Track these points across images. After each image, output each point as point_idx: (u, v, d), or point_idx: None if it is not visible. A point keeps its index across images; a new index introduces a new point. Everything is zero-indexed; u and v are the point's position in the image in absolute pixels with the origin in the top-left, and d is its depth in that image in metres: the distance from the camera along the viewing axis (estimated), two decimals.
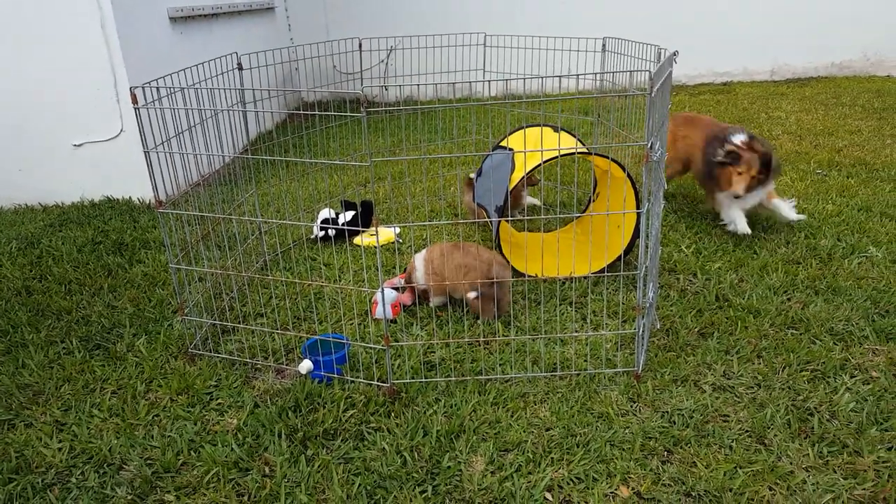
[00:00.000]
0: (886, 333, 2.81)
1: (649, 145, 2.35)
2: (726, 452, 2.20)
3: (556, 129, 3.44)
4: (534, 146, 3.36)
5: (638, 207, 3.26)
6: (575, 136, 3.52)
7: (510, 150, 3.46)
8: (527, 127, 3.55)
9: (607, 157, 3.23)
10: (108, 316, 3.22)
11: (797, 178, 4.73)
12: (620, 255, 3.39)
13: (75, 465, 2.28)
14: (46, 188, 4.92)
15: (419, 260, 3.18)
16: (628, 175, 3.16)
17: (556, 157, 3.32)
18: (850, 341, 2.77)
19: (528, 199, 4.19)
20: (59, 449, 2.34)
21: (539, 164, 3.27)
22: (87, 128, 4.75)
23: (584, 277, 3.32)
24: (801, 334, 2.83)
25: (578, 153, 3.28)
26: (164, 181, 2.65)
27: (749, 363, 2.66)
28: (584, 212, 4.01)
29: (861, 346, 2.73)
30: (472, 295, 2.94)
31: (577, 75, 2.36)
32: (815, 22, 8.22)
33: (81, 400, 2.61)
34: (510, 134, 3.69)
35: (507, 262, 3.15)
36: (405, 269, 3.45)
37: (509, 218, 3.83)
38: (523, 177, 3.25)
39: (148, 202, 4.85)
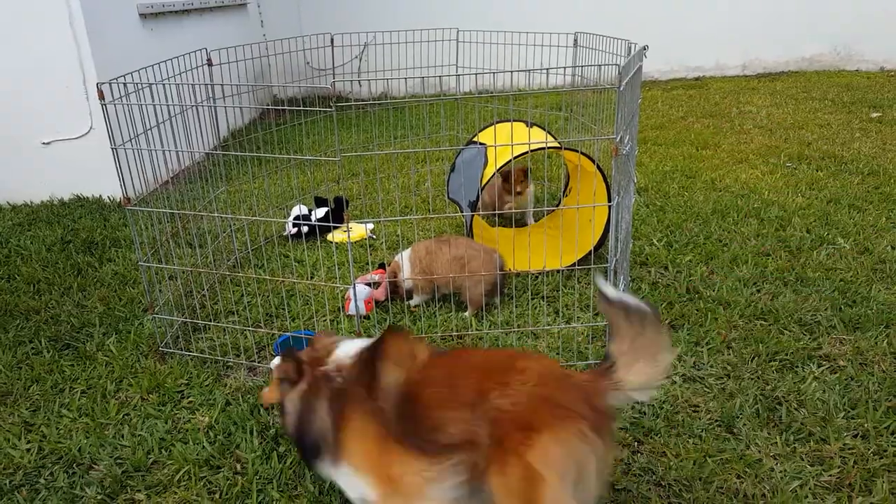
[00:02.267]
0: (853, 323, 2.87)
1: (618, 139, 2.37)
2: (696, 442, 2.24)
3: (528, 125, 3.46)
4: (506, 141, 3.37)
5: (609, 201, 3.29)
6: (546, 131, 3.54)
7: (483, 144, 3.47)
8: (499, 122, 3.57)
9: (578, 152, 3.25)
10: (78, 315, 3.17)
11: (767, 172, 4.81)
12: (591, 250, 3.42)
13: (44, 466, 2.24)
14: (15, 187, 4.82)
15: (405, 258, 3.16)
16: (599, 168, 3.18)
17: (528, 153, 3.32)
18: (818, 331, 2.83)
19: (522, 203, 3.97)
20: (28, 450, 2.31)
21: (510, 160, 3.28)
22: (56, 126, 4.65)
23: (557, 271, 3.35)
24: (770, 325, 2.88)
25: (550, 147, 3.29)
26: (133, 178, 2.61)
27: (719, 354, 2.71)
28: (556, 206, 4.04)
29: (829, 336, 2.79)
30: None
31: (547, 69, 2.38)
32: (786, 17, 8.36)
33: (50, 400, 2.57)
34: (482, 130, 3.70)
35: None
36: (379, 265, 3.45)
37: (482, 213, 3.83)
38: (495, 173, 3.26)
39: (118, 200, 4.77)
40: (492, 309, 3.10)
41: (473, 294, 3.01)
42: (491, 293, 3.07)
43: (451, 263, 3.00)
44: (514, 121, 3.50)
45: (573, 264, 3.37)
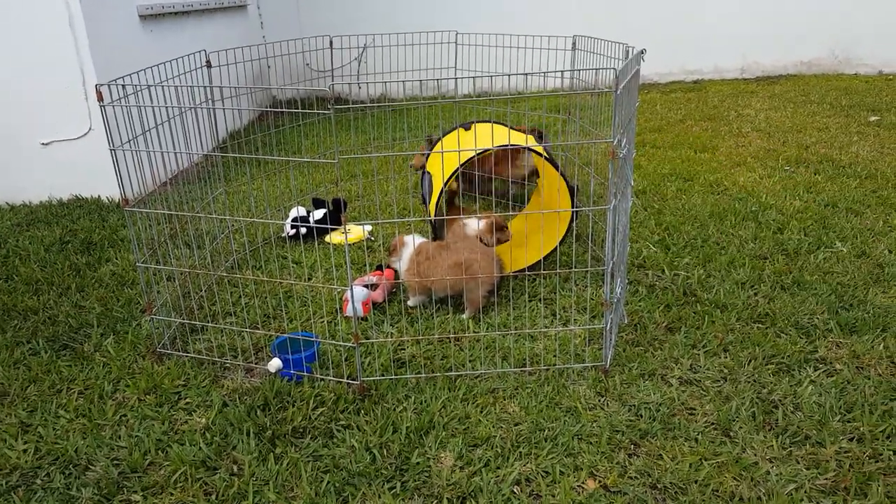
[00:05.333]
0: (850, 326, 2.87)
1: (615, 142, 2.38)
2: (692, 445, 2.24)
3: (499, 125, 3.48)
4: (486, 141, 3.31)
5: (573, 203, 3.31)
6: (514, 129, 3.56)
7: (428, 173, 3.47)
8: (478, 122, 3.55)
9: (541, 156, 3.24)
10: (76, 316, 3.17)
11: (766, 175, 4.82)
12: (555, 247, 3.46)
13: (41, 467, 2.24)
14: (14, 187, 4.82)
15: (407, 253, 3.15)
16: (562, 174, 3.22)
17: (475, 157, 3.25)
18: (815, 335, 2.83)
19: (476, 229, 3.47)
20: (25, 450, 2.30)
21: (456, 170, 3.19)
22: (55, 126, 4.66)
23: (555, 273, 3.35)
24: (766, 328, 2.89)
25: (498, 148, 3.23)
26: (131, 179, 2.61)
27: (715, 357, 2.71)
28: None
29: (825, 340, 2.80)
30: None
31: (545, 73, 2.38)
32: (785, 20, 8.38)
33: (47, 401, 2.56)
34: (448, 133, 3.65)
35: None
36: (377, 267, 3.45)
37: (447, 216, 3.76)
38: (443, 190, 3.21)
39: (116, 201, 4.78)
40: (489, 311, 3.10)
41: (473, 296, 3.02)
42: (490, 295, 3.07)
43: (451, 270, 3.00)
44: (494, 122, 3.50)
45: (536, 264, 3.40)
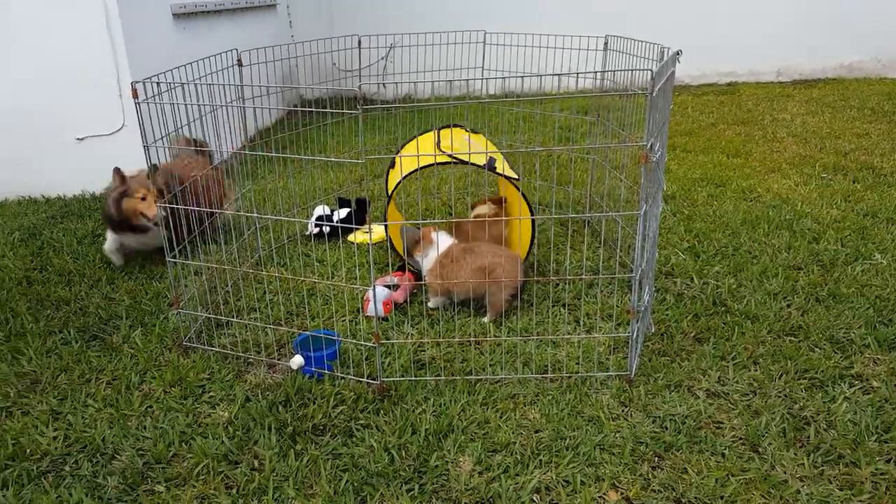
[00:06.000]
0: (889, 342, 2.77)
1: (648, 146, 2.32)
2: (718, 459, 2.18)
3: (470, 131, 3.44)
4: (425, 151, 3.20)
5: (532, 215, 3.19)
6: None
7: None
8: (442, 128, 3.48)
9: (501, 175, 3.07)
10: (106, 307, 3.24)
11: (801, 182, 4.68)
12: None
13: (69, 454, 2.29)
14: (49, 180, 4.96)
15: (433, 254, 3.11)
16: (518, 188, 3.11)
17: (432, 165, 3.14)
18: (851, 350, 2.73)
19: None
20: (55, 437, 2.36)
21: (408, 174, 3.10)
22: (90, 122, 4.78)
23: (579, 279, 3.30)
24: (799, 341, 2.80)
25: (443, 163, 3.09)
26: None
27: (745, 370, 2.63)
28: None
29: (862, 355, 2.70)
30: None
31: (577, 74, 2.34)
32: (824, 22, 8.12)
33: (77, 390, 2.62)
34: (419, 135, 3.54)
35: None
36: (399, 267, 3.44)
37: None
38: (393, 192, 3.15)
39: None
40: (511, 315, 3.07)
41: (496, 300, 2.99)
42: (513, 298, 3.04)
43: (475, 274, 2.98)
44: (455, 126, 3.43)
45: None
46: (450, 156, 2.92)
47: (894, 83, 7.99)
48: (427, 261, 3.16)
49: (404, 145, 3.54)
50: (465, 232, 3.45)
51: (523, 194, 3.05)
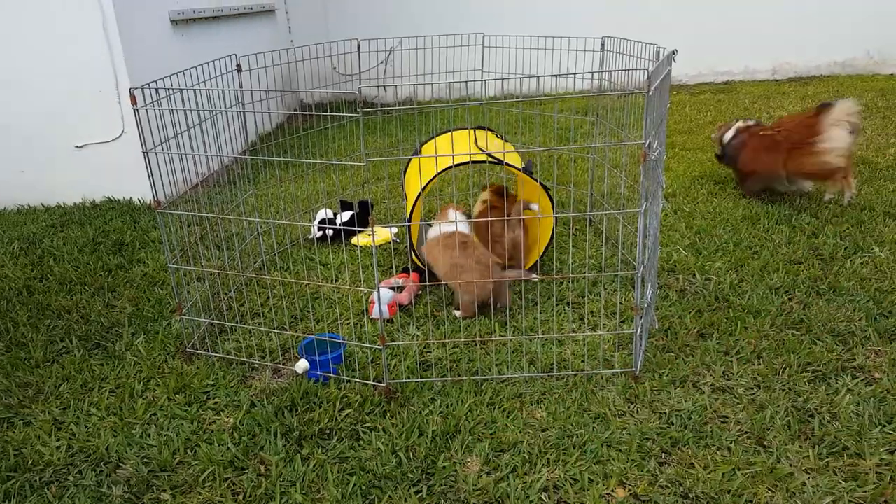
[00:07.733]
0: (889, 334, 2.78)
1: (647, 144, 2.34)
2: (725, 454, 2.19)
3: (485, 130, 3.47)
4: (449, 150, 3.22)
5: (554, 212, 3.23)
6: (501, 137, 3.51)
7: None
8: (456, 130, 3.51)
9: (517, 168, 3.12)
10: (108, 315, 3.23)
11: None
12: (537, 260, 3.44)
13: (73, 464, 2.28)
14: (49, 189, 4.95)
15: (433, 233, 3.17)
16: (541, 184, 3.16)
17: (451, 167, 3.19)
18: (852, 342, 2.74)
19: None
20: (58, 447, 2.35)
21: (434, 176, 3.13)
22: (89, 129, 4.76)
23: (583, 277, 3.31)
24: (801, 335, 2.81)
25: (486, 161, 3.12)
26: (163, 182, 2.65)
27: (749, 364, 2.64)
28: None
29: (863, 347, 2.71)
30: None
31: (574, 74, 2.35)
32: (818, 20, 8.17)
33: (80, 398, 2.61)
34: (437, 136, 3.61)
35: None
36: (403, 269, 3.45)
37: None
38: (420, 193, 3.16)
39: (148, 203, 4.87)
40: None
41: (462, 300, 3.03)
42: (488, 301, 3.05)
43: (450, 269, 3.00)
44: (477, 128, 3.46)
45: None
46: (488, 154, 2.97)
47: (887, 79, 8.04)
48: (430, 233, 3.17)
49: (422, 145, 3.59)
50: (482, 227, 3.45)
51: (550, 196, 3.12)
